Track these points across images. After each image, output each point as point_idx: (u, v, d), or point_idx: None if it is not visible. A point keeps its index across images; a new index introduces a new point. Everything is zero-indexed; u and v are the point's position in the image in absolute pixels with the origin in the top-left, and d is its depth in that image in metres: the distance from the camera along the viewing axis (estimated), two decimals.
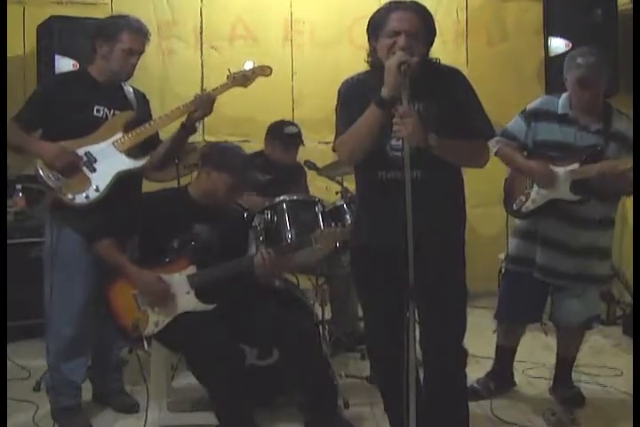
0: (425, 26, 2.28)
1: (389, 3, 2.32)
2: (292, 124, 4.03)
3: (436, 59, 2.36)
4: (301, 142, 3.97)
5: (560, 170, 2.97)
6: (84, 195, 2.77)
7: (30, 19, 4.60)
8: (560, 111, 3.02)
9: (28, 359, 3.61)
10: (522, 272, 3.11)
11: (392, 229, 2.07)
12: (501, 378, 3.30)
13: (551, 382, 3.28)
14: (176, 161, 3.20)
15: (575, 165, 2.94)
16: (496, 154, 3.08)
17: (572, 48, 4.42)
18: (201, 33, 4.98)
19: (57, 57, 4.20)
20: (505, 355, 3.31)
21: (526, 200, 3.07)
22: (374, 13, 2.33)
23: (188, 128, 2.94)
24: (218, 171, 2.84)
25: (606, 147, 2.94)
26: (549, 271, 3.04)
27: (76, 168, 2.77)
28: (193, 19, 4.96)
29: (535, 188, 3.04)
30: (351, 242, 2.59)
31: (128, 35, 2.82)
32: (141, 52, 2.89)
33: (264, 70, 3.01)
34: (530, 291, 3.11)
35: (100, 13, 4.45)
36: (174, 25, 4.95)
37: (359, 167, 2.44)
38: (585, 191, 2.94)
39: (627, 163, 2.81)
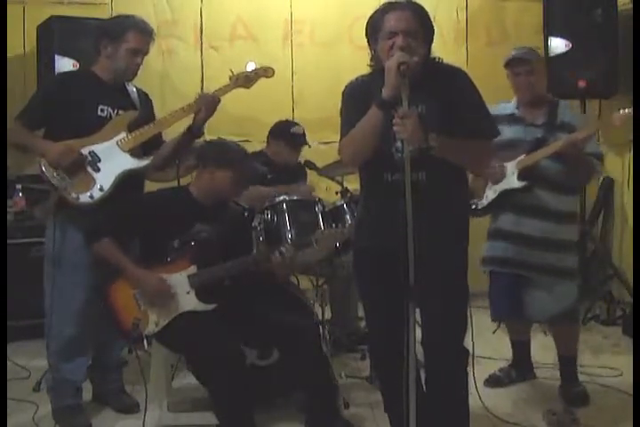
0: (422, 24, 2.28)
1: (384, 4, 2.31)
2: (296, 124, 4.03)
3: (439, 58, 2.36)
4: (306, 143, 3.98)
5: (509, 164, 3.13)
6: (89, 194, 2.77)
7: (30, 19, 4.58)
8: (509, 112, 3.18)
9: (27, 359, 3.62)
10: (495, 271, 3.23)
11: (397, 231, 2.06)
12: (522, 368, 3.45)
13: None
14: (176, 162, 3.19)
15: (522, 157, 3.10)
16: None
17: (572, 48, 4.45)
18: (201, 33, 4.97)
19: (57, 57, 4.19)
20: (518, 348, 3.46)
21: (481, 199, 3.24)
22: (371, 16, 2.33)
23: (195, 132, 2.94)
24: (220, 168, 2.85)
25: (551, 137, 3.06)
26: (512, 262, 3.14)
27: (80, 167, 2.77)
28: (193, 19, 4.94)
29: (489, 185, 3.19)
30: (354, 243, 2.57)
31: (134, 34, 2.83)
32: (146, 52, 2.90)
33: (266, 72, 3.02)
34: (507, 288, 3.19)
35: (100, 13, 4.46)
36: (174, 25, 4.94)
37: (364, 169, 2.43)
38: (530, 177, 3.08)
39: (582, 133, 2.95)
